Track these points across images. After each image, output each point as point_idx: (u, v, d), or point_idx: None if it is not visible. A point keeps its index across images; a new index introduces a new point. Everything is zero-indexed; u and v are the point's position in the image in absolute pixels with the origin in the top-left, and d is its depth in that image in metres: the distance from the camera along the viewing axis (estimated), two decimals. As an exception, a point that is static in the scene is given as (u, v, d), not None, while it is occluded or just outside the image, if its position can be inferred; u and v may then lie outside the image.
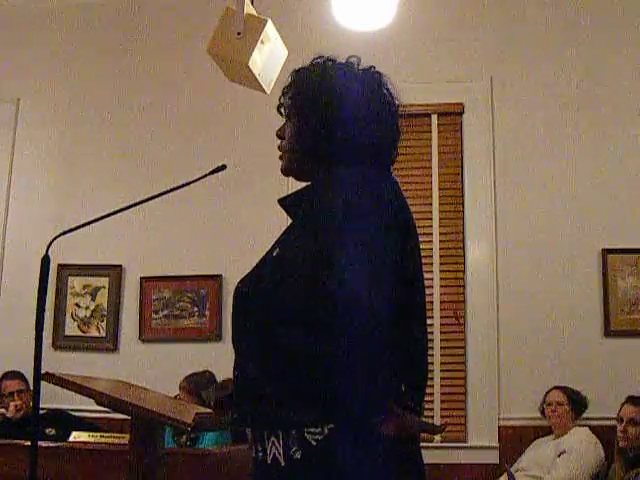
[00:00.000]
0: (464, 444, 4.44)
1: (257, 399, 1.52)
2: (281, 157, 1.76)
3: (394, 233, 1.52)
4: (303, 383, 1.45)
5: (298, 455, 1.46)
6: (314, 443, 1.45)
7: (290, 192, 1.70)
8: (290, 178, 1.78)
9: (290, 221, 1.69)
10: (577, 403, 4.11)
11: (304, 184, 1.72)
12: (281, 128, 1.76)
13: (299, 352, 1.46)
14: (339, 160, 1.64)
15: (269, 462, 1.51)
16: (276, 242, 1.64)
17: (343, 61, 1.74)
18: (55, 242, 2.21)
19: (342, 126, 1.64)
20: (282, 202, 1.70)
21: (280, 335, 1.49)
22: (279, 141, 1.77)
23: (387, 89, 1.73)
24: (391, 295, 1.44)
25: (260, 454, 1.54)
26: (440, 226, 4.66)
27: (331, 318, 1.41)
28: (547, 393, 4.18)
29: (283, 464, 1.48)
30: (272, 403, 1.49)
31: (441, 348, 4.53)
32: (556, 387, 4.18)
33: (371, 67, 1.75)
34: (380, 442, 1.44)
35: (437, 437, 4.38)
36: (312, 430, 1.45)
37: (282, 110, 1.78)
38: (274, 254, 1.60)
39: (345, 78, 1.69)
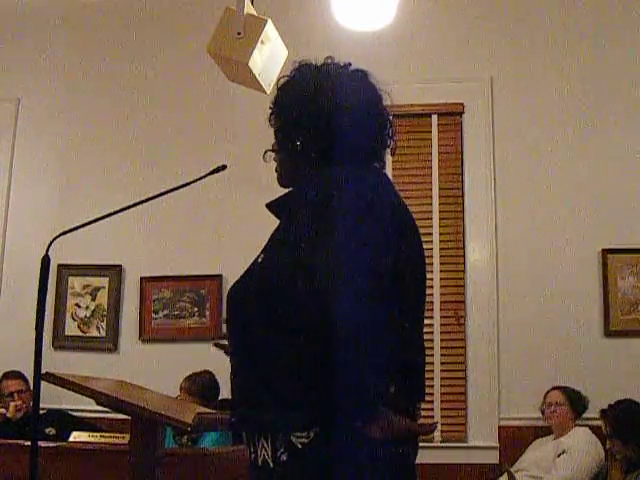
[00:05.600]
0: (464, 444, 4.44)
1: (250, 403, 1.54)
2: (276, 169, 1.77)
3: (385, 232, 1.51)
4: (290, 387, 1.46)
5: (284, 457, 1.48)
6: (300, 446, 1.46)
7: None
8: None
9: None
10: (577, 403, 4.11)
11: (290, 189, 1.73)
12: (274, 143, 1.78)
13: (285, 356, 1.46)
14: (321, 160, 1.64)
15: (260, 464, 1.53)
16: (264, 247, 1.64)
17: (319, 63, 1.74)
18: (55, 242, 2.21)
19: (318, 125, 1.65)
20: (269, 206, 1.71)
21: (268, 340, 1.50)
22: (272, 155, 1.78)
23: (370, 84, 1.72)
24: (379, 297, 1.42)
25: (252, 456, 1.56)
26: (440, 226, 4.66)
27: (315, 323, 1.40)
28: (547, 393, 4.18)
29: (271, 466, 1.50)
30: (262, 407, 1.50)
31: (441, 348, 4.53)
32: (556, 387, 4.17)
33: (347, 64, 1.74)
34: (365, 445, 1.45)
35: (437, 437, 4.39)
36: (298, 434, 1.47)
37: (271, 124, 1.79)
38: (259, 260, 1.60)
39: (321, 77, 1.69)
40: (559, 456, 3.93)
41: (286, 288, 1.46)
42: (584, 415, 4.13)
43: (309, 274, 1.41)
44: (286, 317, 1.46)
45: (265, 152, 1.78)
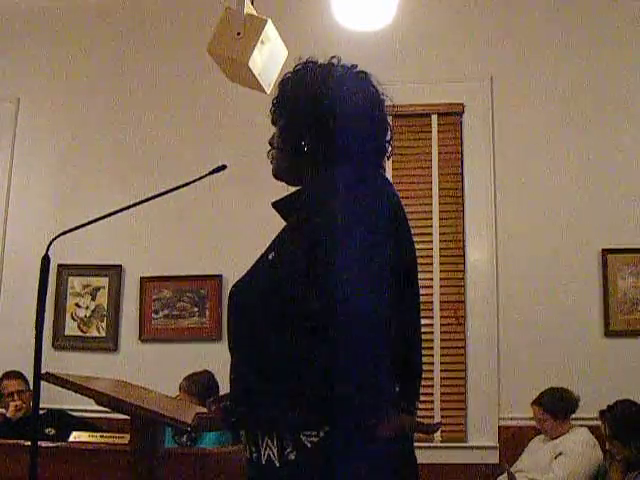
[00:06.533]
0: (464, 444, 4.44)
1: (253, 402, 1.53)
2: (272, 162, 1.77)
3: (388, 233, 1.52)
4: (299, 386, 1.46)
5: (292, 456, 1.48)
6: (309, 445, 1.46)
7: (285, 194, 1.71)
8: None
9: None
10: (560, 411, 4.02)
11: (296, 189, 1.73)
12: (272, 136, 1.78)
13: (295, 355, 1.47)
14: (327, 160, 1.64)
15: (263, 462, 1.52)
16: (270, 245, 1.64)
17: (324, 62, 1.74)
18: (55, 242, 2.21)
19: (325, 125, 1.65)
20: (275, 205, 1.71)
21: (276, 338, 1.50)
22: (270, 149, 1.78)
23: (373, 86, 1.72)
24: (386, 297, 1.43)
25: (254, 455, 1.55)
26: (440, 226, 4.66)
27: (326, 322, 1.41)
28: (532, 406, 4.13)
29: (277, 465, 1.49)
30: (268, 406, 1.50)
31: (441, 348, 4.53)
32: (535, 401, 4.08)
33: (353, 66, 1.74)
34: (374, 443, 1.45)
35: (437, 437, 4.39)
36: (307, 432, 1.46)
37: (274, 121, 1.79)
38: (269, 257, 1.60)
39: (325, 78, 1.69)
40: (556, 458, 3.92)
41: (301, 287, 1.47)
42: (583, 415, 4.10)
43: (326, 275, 1.42)
44: (300, 315, 1.46)
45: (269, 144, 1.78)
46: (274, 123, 1.78)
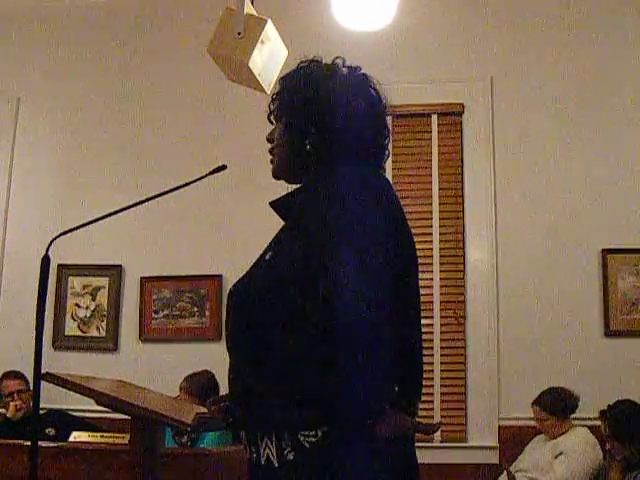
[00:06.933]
0: (464, 444, 4.44)
1: (252, 403, 1.53)
2: (272, 160, 1.77)
3: (388, 233, 1.52)
4: (298, 386, 1.46)
5: (291, 456, 1.47)
6: (307, 445, 1.46)
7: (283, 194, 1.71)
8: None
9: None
10: (560, 410, 4.02)
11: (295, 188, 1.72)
12: (271, 132, 1.77)
13: (294, 355, 1.47)
14: (328, 159, 1.64)
15: (263, 463, 1.52)
16: (269, 245, 1.64)
17: (329, 62, 1.74)
18: (55, 242, 2.21)
19: (328, 124, 1.64)
20: (274, 204, 1.70)
21: (275, 338, 1.50)
22: (269, 145, 1.77)
23: (374, 89, 1.72)
24: (386, 296, 1.43)
25: (254, 455, 1.55)
26: (440, 226, 4.66)
27: (326, 321, 1.41)
28: (532, 406, 4.13)
29: (276, 465, 1.49)
30: (266, 406, 1.50)
31: (441, 348, 4.53)
32: (535, 401, 4.07)
33: (357, 67, 1.74)
34: (374, 443, 1.45)
35: (437, 437, 4.39)
36: (306, 432, 1.46)
37: (271, 118, 1.78)
38: (267, 257, 1.60)
39: (330, 78, 1.69)
40: (556, 457, 3.92)
41: (299, 287, 1.47)
42: (583, 415, 4.11)
43: (324, 275, 1.42)
44: (298, 315, 1.46)
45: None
46: (273, 119, 1.77)
